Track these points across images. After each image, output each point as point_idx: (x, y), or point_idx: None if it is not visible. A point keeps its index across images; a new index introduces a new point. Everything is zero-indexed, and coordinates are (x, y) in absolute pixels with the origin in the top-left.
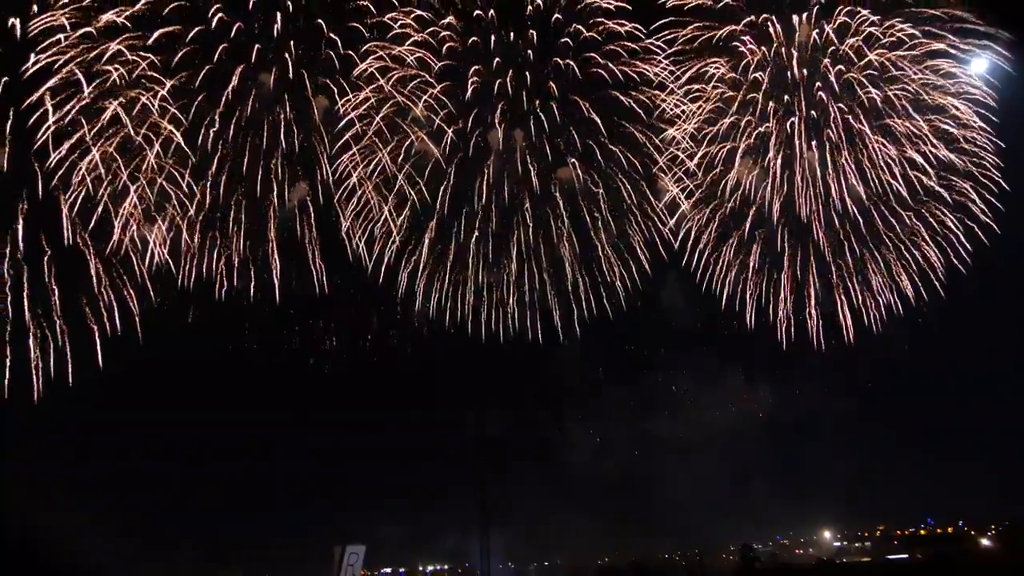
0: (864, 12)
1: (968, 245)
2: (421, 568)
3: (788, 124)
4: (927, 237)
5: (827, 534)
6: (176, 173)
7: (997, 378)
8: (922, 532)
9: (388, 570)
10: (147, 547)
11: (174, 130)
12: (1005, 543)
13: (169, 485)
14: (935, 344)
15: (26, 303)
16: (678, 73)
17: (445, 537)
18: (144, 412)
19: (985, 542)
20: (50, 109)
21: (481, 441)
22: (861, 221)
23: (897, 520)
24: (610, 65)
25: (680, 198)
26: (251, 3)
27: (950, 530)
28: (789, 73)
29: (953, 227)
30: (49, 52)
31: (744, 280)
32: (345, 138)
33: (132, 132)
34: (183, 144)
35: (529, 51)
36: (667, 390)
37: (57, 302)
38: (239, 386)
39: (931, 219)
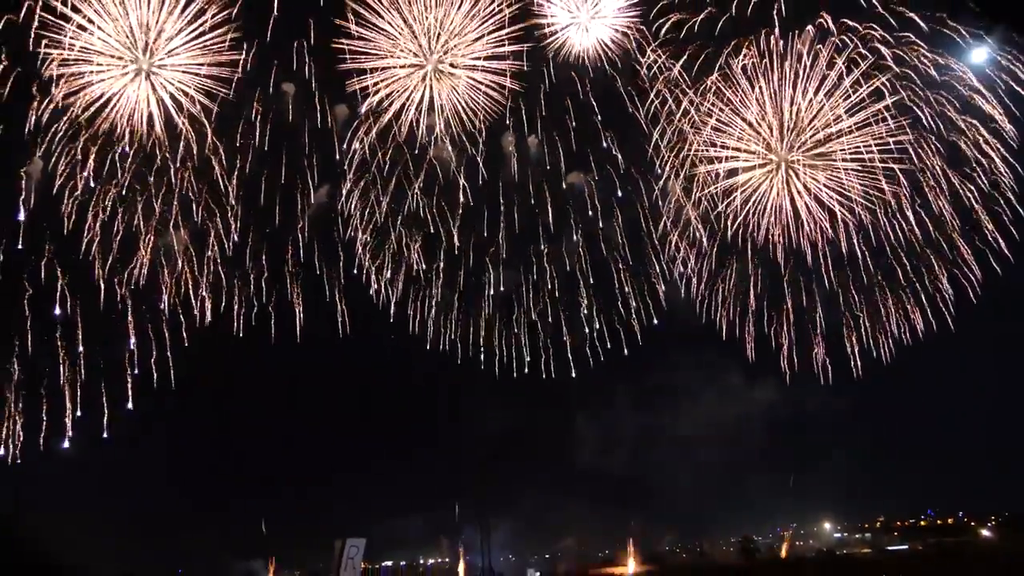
0: (869, 31)
1: (979, 273)
2: (422, 561)
3: (791, 145)
4: (937, 264)
5: (827, 525)
6: (198, 202)
7: (998, 371)
8: (923, 523)
9: (389, 563)
10: (164, 541)
11: (214, 159)
12: (1005, 534)
13: (187, 482)
14: (938, 350)
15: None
16: (682, 86)
17: (446, 531)
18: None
19: (985, 533)
20: (84, 123)
21: (481, 438)
22: (862, 245)
23: (897, 511)
24: (620, 82)
25: (686, 204)
26: (270, 27)
27: (950, 521)
28: (791, 92)
29: (965, 254)
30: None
31: (744, 304)
32: (361, 156)
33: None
34: (221, 173)
35: (543, 68)
36: (670, 386)
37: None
38: (257, 394)
39: (944, 245)
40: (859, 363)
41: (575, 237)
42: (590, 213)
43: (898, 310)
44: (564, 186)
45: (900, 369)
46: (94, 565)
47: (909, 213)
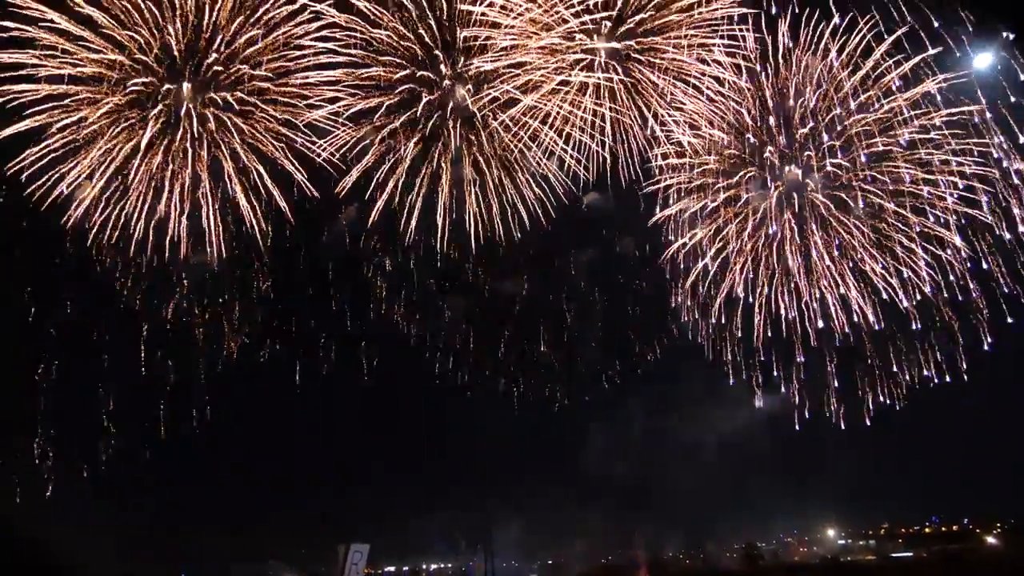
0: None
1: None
2: (424, 566)
3: (796, 190)
4: (948, 315)
5: (831, 532)
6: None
7: (1001, 374)
8: (927, 530)
9: (392, 568)
10: (165, 542)
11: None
12: (1011, 541)
13: (189, 483)
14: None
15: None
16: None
17: (450, 535)
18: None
19: (991, 540)
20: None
21: (486, 441)
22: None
23: (902, 518)
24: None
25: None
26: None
27: (955, 528)
28: (797, 130)
29: (977, 301)
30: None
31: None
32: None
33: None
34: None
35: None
36: (675, 392)
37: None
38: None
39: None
40: (871, 410)
41: (587, 255)
42: (604, 231)
43: (911, 360)
44: (584, 207)
45: (910, 413)
46: (94, 565)
47: (922, 265)
